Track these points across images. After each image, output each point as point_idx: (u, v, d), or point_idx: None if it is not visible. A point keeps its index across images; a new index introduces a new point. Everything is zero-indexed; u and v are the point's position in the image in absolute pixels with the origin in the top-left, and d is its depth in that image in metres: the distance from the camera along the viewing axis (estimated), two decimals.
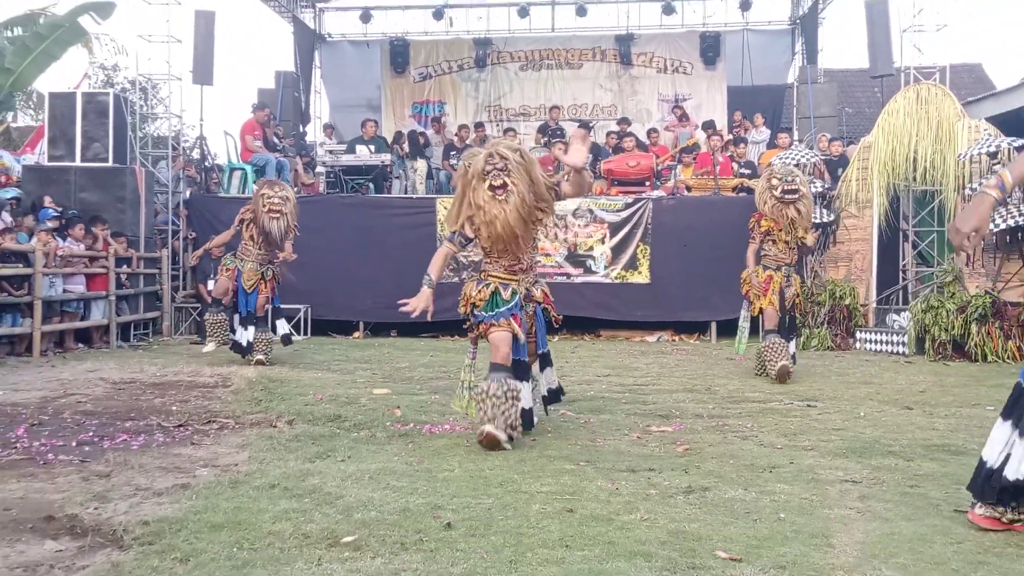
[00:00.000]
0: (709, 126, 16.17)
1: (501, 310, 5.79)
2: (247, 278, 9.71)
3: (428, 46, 19.67)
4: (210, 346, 9.93)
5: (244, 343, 9.82)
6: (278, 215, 9.46)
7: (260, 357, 9.64)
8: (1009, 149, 11.33)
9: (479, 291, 5.91)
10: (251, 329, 9.77)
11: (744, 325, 9.39)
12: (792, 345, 9.24)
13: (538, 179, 5.73)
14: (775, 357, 8.68)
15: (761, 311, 9.01)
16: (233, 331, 10.00)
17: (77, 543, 3.76)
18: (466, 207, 5.82)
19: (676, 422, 6.55)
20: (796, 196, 8.80)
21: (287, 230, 9.67)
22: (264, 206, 9.47)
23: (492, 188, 5.58)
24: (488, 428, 5.44)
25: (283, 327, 10.35)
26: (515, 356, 5.84)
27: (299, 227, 10.05)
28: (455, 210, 6.00)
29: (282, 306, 10.64)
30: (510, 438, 5.52)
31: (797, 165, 12.90)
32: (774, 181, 8.96)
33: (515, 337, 5.78)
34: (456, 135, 16.49)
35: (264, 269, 9.81)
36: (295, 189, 14.66)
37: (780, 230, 8.97)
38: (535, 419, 6.16)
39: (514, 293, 5.85)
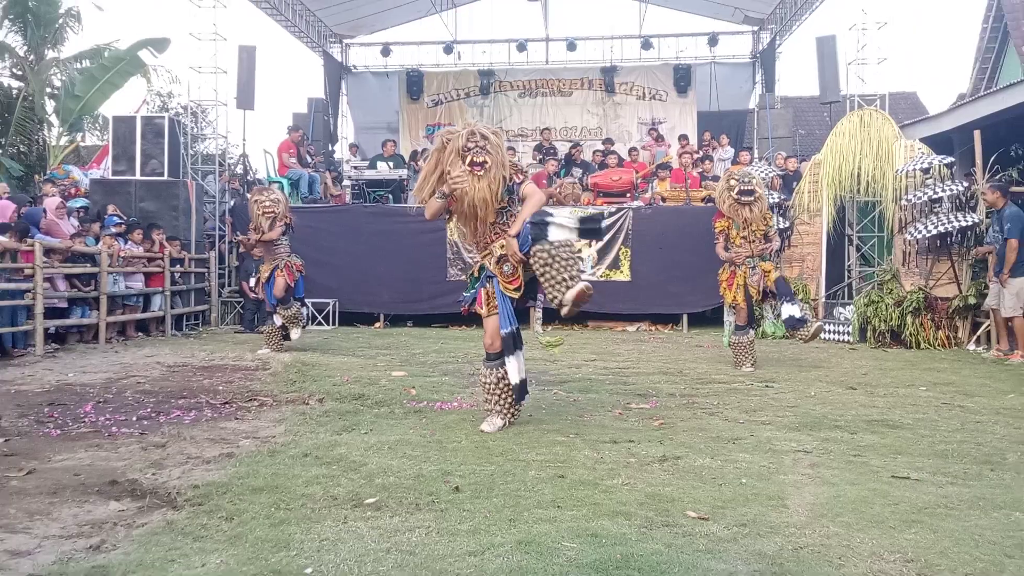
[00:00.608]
0: (683, 137, 16.32)
1: (471, 290, 5.63)
2: (263, 272, 9.68)
3: (439, 76, 19.68)
4: (264, 351, 9.54)
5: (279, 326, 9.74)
6: (271, 215, 9.46)
7: (295, 334, 9.64)
8: (939, 166, 11.34)
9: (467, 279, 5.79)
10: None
11: (728, 319, 8.93)
12: (795, 307, 8.34)
13: (507, 165, 5.34)
14: (742, 359, 8.47)
15: (733, 306, 8.65)
16: (285, 338, 9.80)
17: (137, 504, 3.77)
18: (436, 179, 5.30)
19: (652, 400, 6.55)
20: (751, 198, 8.31)
21: (278, 223, 9.53)
22: (259, 210, 9.49)
23: (472, 164, 5.12)
24: (483, 427, 5.35)
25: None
26: (503, 328, 5.40)
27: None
28: (426, 181, 5.40)
29: (306, 299, 10.28)
30: (510, 421, 5.44)
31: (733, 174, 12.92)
32: (732, 182, 8.47)
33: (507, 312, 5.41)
34: None
35: (277, 261, 9.56)
36: (325, 200, 14.75)
37: (731, 228, 8.52)
38: (526, 392, 5.62)
39: (482, 268, 5.49)
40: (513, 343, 5.40)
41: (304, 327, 9.93)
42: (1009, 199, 9.71)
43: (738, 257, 8.50)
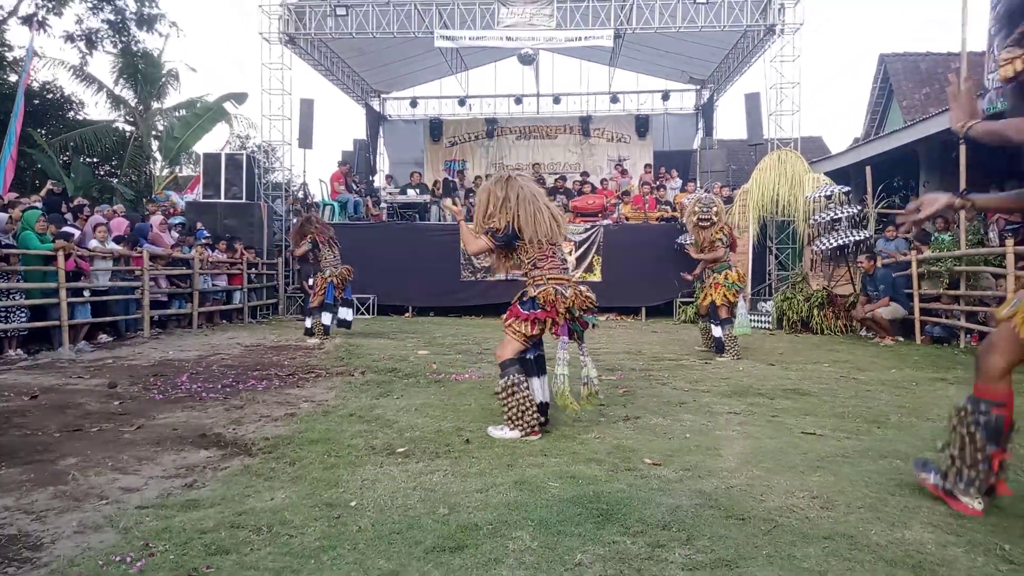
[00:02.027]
0: (647, 167, 16.30)
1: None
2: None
3: (455, 123, 19.63)
4: (312, 340, 8.88)
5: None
6: (297, 235, 9.18)
7: (313, 341, 8.83)
8: (839, 193, 11.37)
9: None
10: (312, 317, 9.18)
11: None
12: (720, 330, 7.79)
13: (476, 219, 4.38)
14: (730, 345, 7.71)
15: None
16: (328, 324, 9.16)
17: (221, 452, 3.77)
18: None
19: (618, 373, 6.55)
20: (708, 223, 7.78)
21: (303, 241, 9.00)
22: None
23: None
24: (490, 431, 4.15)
25: (345, 314, 9.21)
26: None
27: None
28: None
29: (337, 299, 9.18)
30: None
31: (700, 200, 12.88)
32: (696, 208, 7.93)
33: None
34: (473, 183, 16.47)
35: (322, 272, 9.00)
36: (367, 218, 14.72)
37: (694, 245, 8.10)
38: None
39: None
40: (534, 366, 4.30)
41: (314, 338, 8.96)
42: (875, 262, 9.83)
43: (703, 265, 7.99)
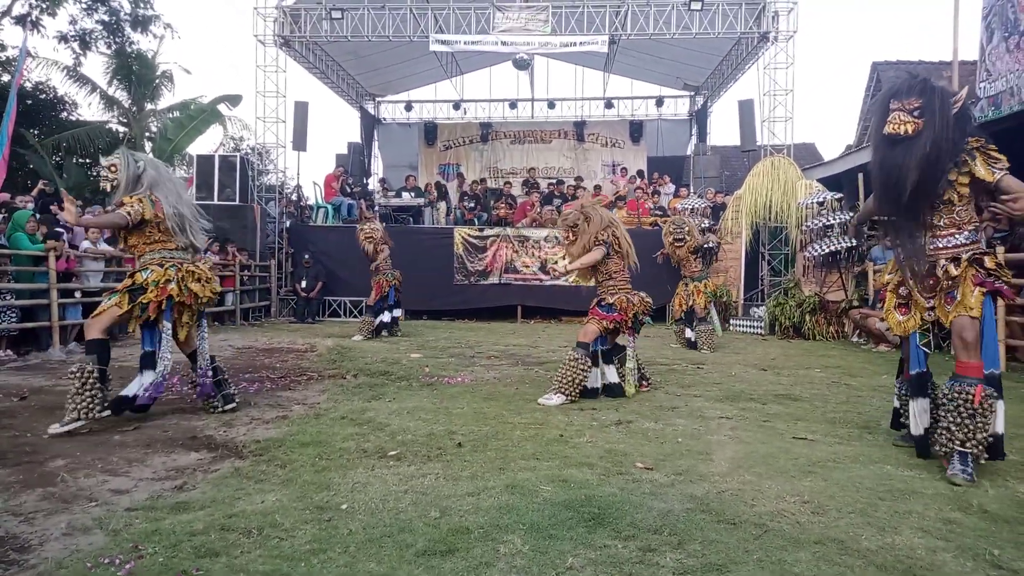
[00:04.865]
0: (640, 175, 16.32)
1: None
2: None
3: (449, 127, 19.63)
4: (357, 338, 9.64)
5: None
6: (372, 240, 9.95)
7: (356, 337, 9.67)
8: (831, 200, 11.42)
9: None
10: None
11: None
12: (692, 333, 9.25)
13: (591, 233, 5.46)
14: (706, 341, 9.09)
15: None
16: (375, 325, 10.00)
17: (212, 454, 3.75)
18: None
19: None
20: (681, 244, 9.32)
21: (375, 250, 9.95)
22: (363, 236, 10.02)
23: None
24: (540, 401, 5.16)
25: (397, 313, 10.50)
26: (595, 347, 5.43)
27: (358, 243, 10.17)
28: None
29: (373, 305, 10.33)
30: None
31: (692, 209, 12.97)
32: (670, 228, 9.46)
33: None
34: (468, 187, 16.47)
35: (377, 277, 10.03)
36: (361, 221, 14.68)
37: (674, 262, 9.66)
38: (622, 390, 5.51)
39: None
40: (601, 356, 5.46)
41: (369, 337, 9.76)
42: None
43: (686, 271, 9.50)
